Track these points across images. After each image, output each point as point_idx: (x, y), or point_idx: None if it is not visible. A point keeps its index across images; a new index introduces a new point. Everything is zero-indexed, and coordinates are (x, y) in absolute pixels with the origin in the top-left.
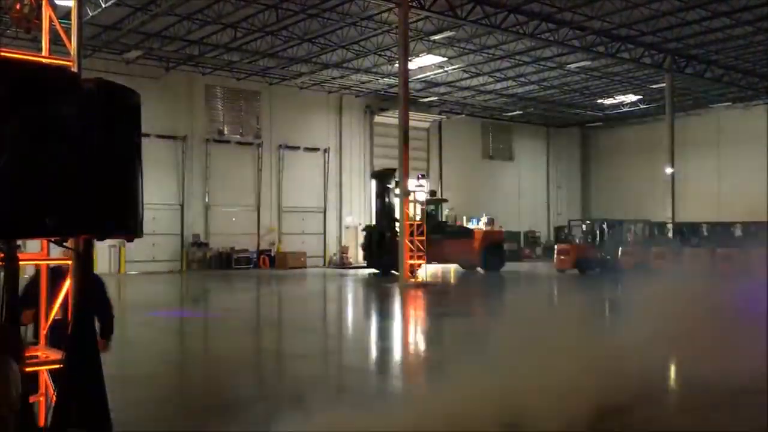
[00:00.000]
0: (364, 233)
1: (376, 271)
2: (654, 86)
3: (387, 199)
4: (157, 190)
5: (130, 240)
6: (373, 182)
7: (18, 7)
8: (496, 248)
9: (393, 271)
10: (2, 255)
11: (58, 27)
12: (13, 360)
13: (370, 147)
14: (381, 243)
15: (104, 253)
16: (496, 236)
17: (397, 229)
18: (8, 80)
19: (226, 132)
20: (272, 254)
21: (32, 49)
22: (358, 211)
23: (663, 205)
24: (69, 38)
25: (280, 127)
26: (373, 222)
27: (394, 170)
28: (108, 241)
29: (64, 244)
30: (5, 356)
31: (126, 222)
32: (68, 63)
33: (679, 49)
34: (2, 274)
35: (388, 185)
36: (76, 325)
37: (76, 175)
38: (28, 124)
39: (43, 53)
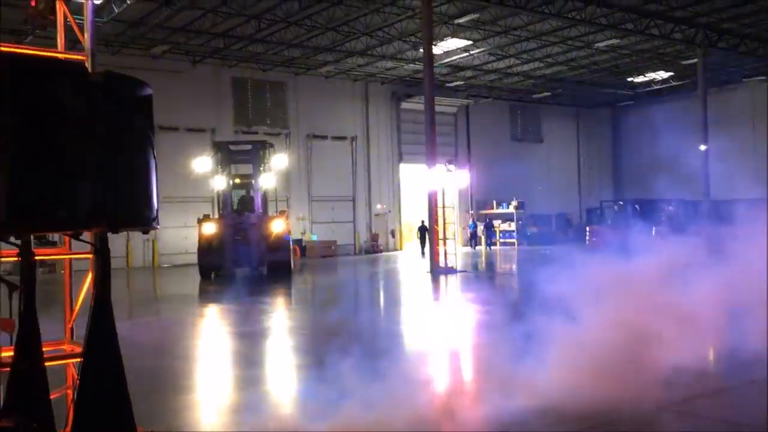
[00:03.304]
0: (206, 225)
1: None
2: (685, 62)
3: (253, 182)
4: (187, 184)
5: (146, 232)
6: (213, 158)
7: (33, 3)
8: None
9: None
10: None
11: (72, 22)
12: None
13: (397, 134)
14: (244, 237)
15: (138, 245)
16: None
17: (279, 223)
18: (18, 74)
19: (253, 123)
20: (303, 243)
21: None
22: (388, 198)
23: (697, 184)
24: (83, 34)
25: (307, 117)
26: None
27: (263, 143)
28: (141, 235)
29: (81, 237)
30: None
31: (140, 214)
32: (82, 58)
33: (710, 24)
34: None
35: (261, 162)
36: (95, 319)
37: (87, 167)
38: (38, 118)
39: (58, 48)
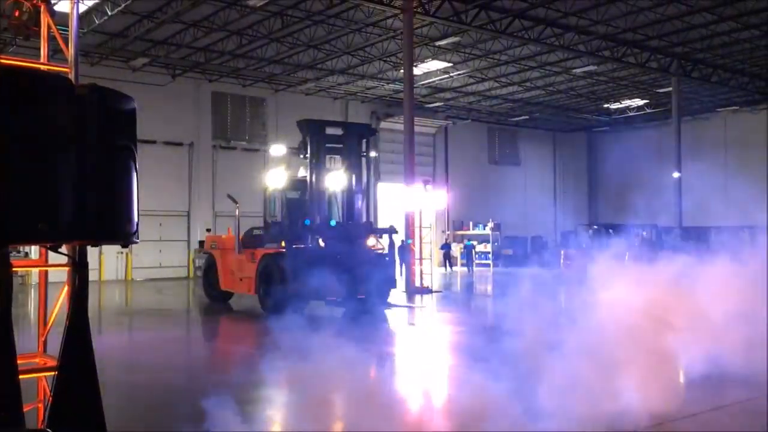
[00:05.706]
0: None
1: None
2: (660, 90)
3: (354, 180)
4: (163, 198)
5: (125, 246)
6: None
7: (17, 14)
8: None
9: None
10: None
11: (56, 34)
12: None
13: (376, 153)
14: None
15: (111, 259)
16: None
17: (389, 238)
18: (1, 86)
19: (232, 139)
20: None
21: (36, 57)
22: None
23: (670, 210)
24: (67, 45)
25: (286, 134)
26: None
27: (367, 127)
28: (115, 248)
29: (59, 250)
30: None
31: (121, 228)
32: (66, 70)
33: (685, 53)
34: None
35: (358, 155)
36: (71, 332)
37: (69, 180)
38: (20, 130)
39: (42, 60)
